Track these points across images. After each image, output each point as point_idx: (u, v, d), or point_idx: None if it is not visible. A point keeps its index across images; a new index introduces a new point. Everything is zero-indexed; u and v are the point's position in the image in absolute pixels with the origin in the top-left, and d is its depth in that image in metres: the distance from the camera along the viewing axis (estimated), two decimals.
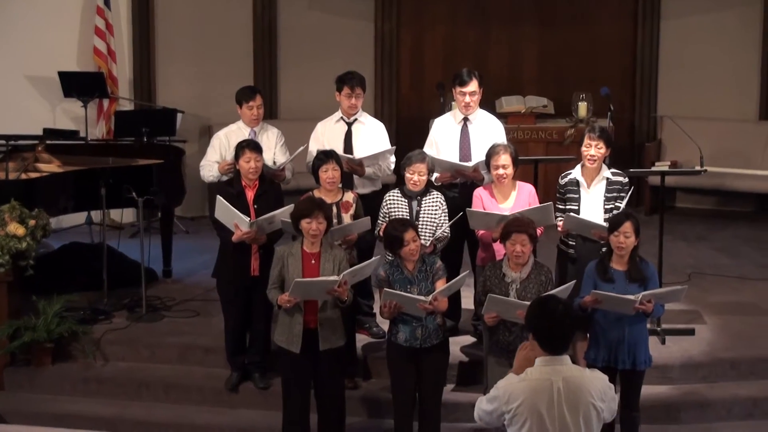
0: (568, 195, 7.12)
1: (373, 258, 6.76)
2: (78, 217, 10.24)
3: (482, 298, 6.41)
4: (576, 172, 7.13)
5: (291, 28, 11.41)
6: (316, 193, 7.03)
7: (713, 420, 7.16)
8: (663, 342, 7.62)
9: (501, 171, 7.05)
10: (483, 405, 4.72)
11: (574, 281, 6.55)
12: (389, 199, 7.18)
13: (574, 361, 4.86)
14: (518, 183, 7.22)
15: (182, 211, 10.33)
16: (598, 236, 6.84)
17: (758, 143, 11.09)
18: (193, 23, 11.20)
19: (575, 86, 10.92)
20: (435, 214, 7.10)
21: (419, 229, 6.72)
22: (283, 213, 6.92)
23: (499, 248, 6.85)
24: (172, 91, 11.13)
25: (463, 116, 7.66)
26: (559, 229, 7.10)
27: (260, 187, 7.21)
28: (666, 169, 8.49)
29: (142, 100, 11.10)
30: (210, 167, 7.72)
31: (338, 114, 7.78)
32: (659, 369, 7.21)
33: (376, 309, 6.67)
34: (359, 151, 7.62)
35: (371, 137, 7.73)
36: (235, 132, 7.76)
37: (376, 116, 8.42)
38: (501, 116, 9.11)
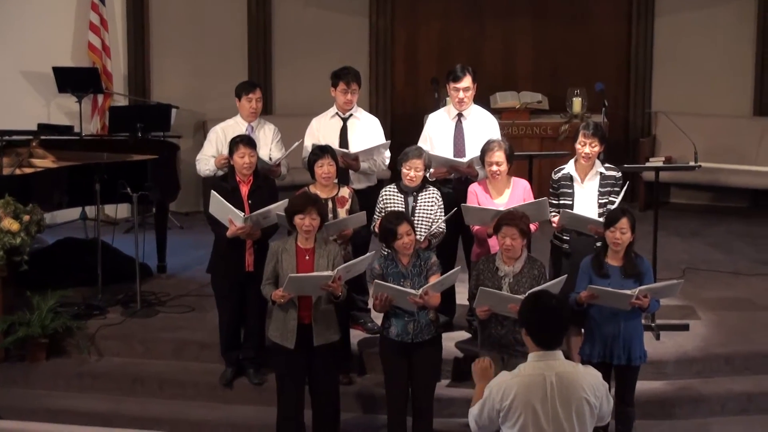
0: (561, 190, 7.10)
1: (368, 254, 6.75)
2: (72, 213, 10.24)
3: (475, 292, 6.39)
4: (569, 167, 7.10)
5: (286, 24, 11.41)
6: (312, 189, 7.02)
7: (708, 415, 7.17)
8: (657, 337, 7.62)
9: (495, 168, 7.03)
10: (475, 410, 4.69)
11: (565, 275, 6.54)
12: (385, 195, 7.16)
13: (569, 357, 4.86)
14: (513, 179, 7.20)
15: (177, 207, 10.32)
16: (595, 231, 6.84)
17: (752, 139, 11.10)
18: (187, 19, 11.20)
19: (570, 82, 10.91)
20: (431, 209, 7.09)
21: (415, 225, 6.70)
22: (278, 207, 6.91)
23: (494, 243, 6.81)
24: (167, 87, 11.14)
25: (457, 112, 7.64)
26: (554, 224, 7.09)
27: (254, 182, 7.21)
28: (660, 164, 8.52)
29: (136, 95, 11.09)
30: (206, 161, 7.72)
31: (333, 109, 7.78)
32: (654, 364, 7.22)
33: (371, 304, 6.66)
34: (355, 147, 7.61)
35: (367, 132, 7.72)
36: (232, 126, 7.75)
37: (370, 112, 8.41)
38: (495, 112, 9.08)
